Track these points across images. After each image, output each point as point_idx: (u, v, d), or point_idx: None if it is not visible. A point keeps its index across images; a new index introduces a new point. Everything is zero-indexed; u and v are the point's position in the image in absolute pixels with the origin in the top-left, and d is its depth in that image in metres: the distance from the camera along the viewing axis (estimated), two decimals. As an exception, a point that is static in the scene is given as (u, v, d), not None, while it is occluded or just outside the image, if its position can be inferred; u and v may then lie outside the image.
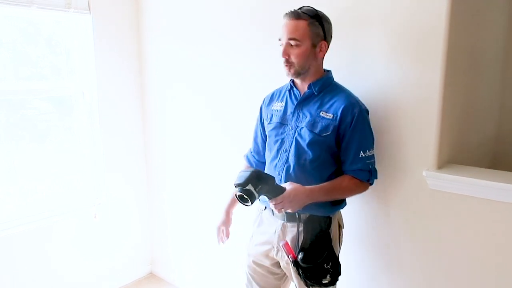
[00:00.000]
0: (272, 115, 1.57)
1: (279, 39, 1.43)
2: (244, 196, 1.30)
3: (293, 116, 1.49)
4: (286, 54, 1.41)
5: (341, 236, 1.55)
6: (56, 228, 2.37)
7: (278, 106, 1.56)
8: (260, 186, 1.31)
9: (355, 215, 1.71)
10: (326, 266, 1.40)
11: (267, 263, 1.59)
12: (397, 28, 1.49)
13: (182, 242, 2.66)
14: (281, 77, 1.53)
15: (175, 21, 2.37)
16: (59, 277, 2.42)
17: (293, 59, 1.40)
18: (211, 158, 2.33)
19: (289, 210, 1.38)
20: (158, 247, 2.85)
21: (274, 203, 1.36)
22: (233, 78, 2.13)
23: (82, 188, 2.54)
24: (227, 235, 1.75)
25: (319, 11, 1.41)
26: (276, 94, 1.62)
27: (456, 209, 1.44)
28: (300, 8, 1.40)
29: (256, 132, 1.71)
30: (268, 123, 1.59)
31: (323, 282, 1.41)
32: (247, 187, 1.30)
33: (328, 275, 1.40)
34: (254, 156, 1.74)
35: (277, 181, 1.49)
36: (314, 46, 1.40)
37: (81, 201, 2.51)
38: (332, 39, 1.47)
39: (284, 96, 1.56)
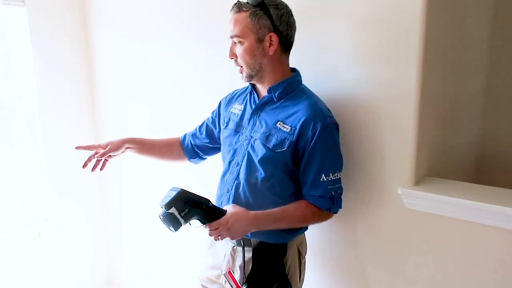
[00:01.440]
0: (229, 118, 1.36)
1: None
2: (166, 221, 1.10)
3: (248, 123, 1.27)
4: (231, 54, 1.22)
5: (302, 265, 1.33)
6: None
7: (236, 109, 1.34)
8: (187, 210, 1.10)
9: (318, 240, 1.49)
10: None
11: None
12: (367, 20, 1.27)
13: (142, 262, 2.40)
14: (237, 81, 1.31)
15: (125, 15, 2.10)
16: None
17: (239, 59, 1.20)
18: (168, 169, 2.08)
19: (227, 239, 1.17)
20: (116, 267, 2.59)
21: (209, 229, 1.15)
22: (192, 83, 1.88)
23: (25, 204, 2.25)
24: (100, 155, 1.41)
25: None
26: (237, 94, 1.40)
27: (437, 233, 1.23)
28: None
29: (203, 121, 1.52)
30: (224, 128, 1.37)
31: None
32: (170, 211, 1.09)
33: None
34: (191, 137, 1.53)
35: (225, 199, 1.29)
36: (260, 41, 1.17)
37: (23, 218, 2.23)
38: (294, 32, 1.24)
39: (245, 99, 1.34)
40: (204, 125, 1.51)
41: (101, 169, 1.48)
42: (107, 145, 1.44)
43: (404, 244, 1.30)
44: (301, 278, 1.34)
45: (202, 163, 1.59)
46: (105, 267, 2.62)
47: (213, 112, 1.49)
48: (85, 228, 2.47)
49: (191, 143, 1.53)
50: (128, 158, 2.26)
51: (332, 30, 1.35)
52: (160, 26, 1.96)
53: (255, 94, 1.31)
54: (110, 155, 1.45)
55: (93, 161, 1.46)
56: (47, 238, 2.29)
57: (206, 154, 1.54)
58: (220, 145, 1.41)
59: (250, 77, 1.23)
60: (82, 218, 2.44)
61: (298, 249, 1.31)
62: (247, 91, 1.36)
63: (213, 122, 1.48)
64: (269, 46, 1.17)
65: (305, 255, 1.36)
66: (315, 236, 1.48)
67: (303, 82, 1.30)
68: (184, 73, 1.90)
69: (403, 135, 1.24)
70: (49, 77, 2.20)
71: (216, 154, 1.52)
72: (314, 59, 1.40)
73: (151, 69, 2.06)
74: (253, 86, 1.31)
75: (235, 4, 1.18)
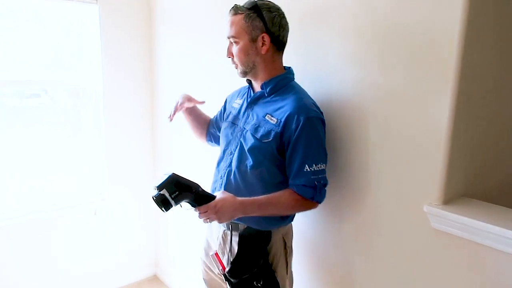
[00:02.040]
0: (230, 112, 1.49)
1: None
2: (158, 201, 1.20)
3: (243, 116, 1.40)
4: (228, 53, 1.34)
5: (288, 254, 1.40)
6: (58, 221, 2.34)
7: (236, 103, 1.47)
8: (177, 193, 1.20)
9: (329, 252, 1.41)
10: (256, 284, 1.28)
11: (216, 270, 1.46)
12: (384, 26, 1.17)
13: (187, 248, 2.50)
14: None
15: (189, 14, 2.19)
16: (61, 269, 2.39)
17: (235, 58, 1.32)
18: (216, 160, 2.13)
19: (215, 222, 1.27)
20: (163, 250, 2.73)
21: (198, 212, 1.25)
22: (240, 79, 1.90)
23: (85, 183, 2.48)
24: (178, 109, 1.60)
25: (262, 1, 1.28)
26: (240, 91, 1.52)
27: (467, 260, 1.09)
28: None
29: (215, 114, 1.65)
30: (225, 120, 1.50)
31: None
32: (161, 192, 1.19)
33: None
34: (211, 126, 1.66)
35: (218, 185, 1.40)
36: (253, 40, 1.27)
37: (83, 196, 2.46)
38: (293, 33, 1.33)
39: (244, 94, 1.46)
40: (214, 118, 1.65)
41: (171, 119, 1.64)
42: (187, 99, 1.61)
43: (427, 267, 1.18)
44: (288, 266, 1.40)
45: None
46: (152, 248, 2.78)
47: (222, 106, 1.60)
48: (137, 211, 2.64)
49: (209, 129, 1.67)
50: (181, 146, 2.38)
51: (327, 34, 1.27)
52: (214, 26, 2.01)
53: (251, 90, 1.41)
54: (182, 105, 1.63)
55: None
56: (102, 216, 2.49)
57: (217, 144, 1.62)
58: None
59: (244, 73, 1.33)
60: (135, 201, 2.62)
61: (283, 238, 1.38)
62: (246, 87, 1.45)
63: (220, 116, 1.60)
64: (262, 46, 1.27)
65: (291, 245, 1.42)
66: (327, 245, 1.41)
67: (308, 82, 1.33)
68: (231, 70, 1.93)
69: (432, 146, 1.12)
70: (114, 69, 2.39)
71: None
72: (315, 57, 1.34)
73: (206, 65, 2.12)
74: (250, 82, 1.41)
75: (232, 7, 1.28)
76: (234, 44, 1.30)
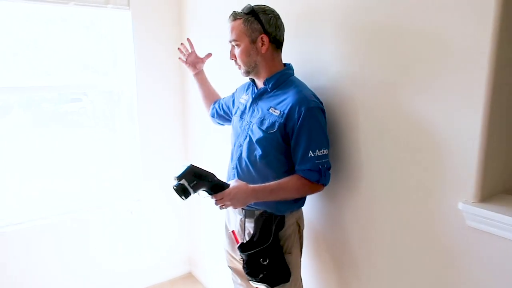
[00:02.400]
0: (238, 107, 1.59)
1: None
2: (178, 190, 1.29)
3: (249, 111, 1.50)
4: (231, 56, 1.45)
5: (301, 238, 1.52)
6: (96, 220, 2.43)
7: (243, 99, 1.57)
8: (195, 182, 1.30)
9: (360, 251, 1.38)
10: (263, 262, 1.36)
11: (238, 257, 1.55)
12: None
13: (220, 246, 2.52)
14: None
15: (218, 17, 2.22)
16: (98, 265, 2.48)
17: (238, 59, 1.42)
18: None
19: (230, 208, 1.37)
20: (197, 248, 2.78)
21: (214, 199, 1.34)
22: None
23: (121, 184, 2.57)
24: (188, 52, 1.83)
25: (257, 5, 1.38)
26: (247, 86, 1.61)
27: (505, 259, 1.04)
28: None
29: (225, 98, 1.79)
30: (234, 115, 1.61)
31: (259, 277, 1.36)
32: (181, 182, 1.29)
33: (265, 271, 1.36)
34: (219, 104, 1.81)
35: (230, 175, 1.53)
36: (253, 42, 1.38)
37: (120, 196, 2.55)
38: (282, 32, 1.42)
39: (249, 90, 1.56)
40: (223, 101, 1.79)
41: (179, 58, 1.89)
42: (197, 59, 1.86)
43: (461, 265, 1.13)
44: (300, 250, 1.51)
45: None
46: (186, 246, 2.84)
47: (232, 94, 1.74)
48: (171, 210, 2.71)
49: (216, 111, 1.82)
50: (211, 145, 2.41)
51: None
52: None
53: (255, 87, 1.52)
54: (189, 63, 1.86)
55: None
56: (138, 215, 2.57)
57: (224, 122, 1.83)
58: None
59: (247, 72, 1.44)
60: (168, 201, 2.68)
61: (297, 222, 1.49)
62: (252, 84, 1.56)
63: (227, 101, 1.74)
64: (262, 46, 1.38)
65: (303, 229, 1.53)
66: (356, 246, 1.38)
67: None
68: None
69: (467, 140, 1.07)
70: (146, 73, 2.45)
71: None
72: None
73: (235, 67, 2.14)
74: (253, 81, 1.52)
75: (231, 14, 1.39)
76: (236, 47, 1.41)
